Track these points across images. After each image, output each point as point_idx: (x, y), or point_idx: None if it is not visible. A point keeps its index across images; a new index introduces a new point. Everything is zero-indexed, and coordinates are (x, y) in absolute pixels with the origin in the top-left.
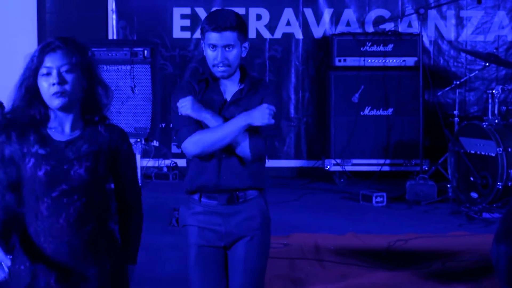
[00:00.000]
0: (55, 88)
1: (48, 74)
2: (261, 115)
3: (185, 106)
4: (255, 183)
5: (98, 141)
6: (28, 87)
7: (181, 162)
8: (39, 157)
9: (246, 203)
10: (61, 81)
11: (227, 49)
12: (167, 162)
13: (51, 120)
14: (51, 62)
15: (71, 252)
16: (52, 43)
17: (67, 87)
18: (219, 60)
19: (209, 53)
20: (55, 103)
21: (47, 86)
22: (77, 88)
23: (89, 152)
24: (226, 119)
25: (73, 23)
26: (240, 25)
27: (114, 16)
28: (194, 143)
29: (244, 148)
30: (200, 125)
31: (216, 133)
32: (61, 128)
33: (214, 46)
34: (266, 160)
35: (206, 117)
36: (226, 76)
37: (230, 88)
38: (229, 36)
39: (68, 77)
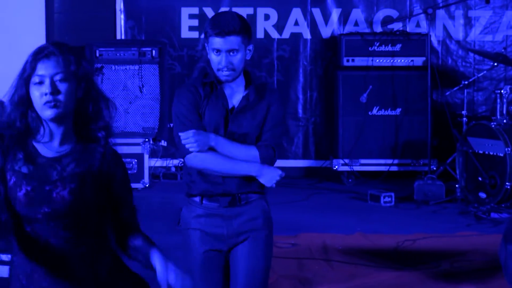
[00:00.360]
0: (47, 98)
1: (41, 82)
2: (270, 179)
3: (190, 142)
4: (258, 187)
5: (88, 161)
6: (21, 96)
7: None
8: (21, 176)
9: (248, 204)
10: (54, 90)
11: (231, 53)
12: (175, 161)
13: (40, 132)
14: (44, 69)
15: (67, 274)
16: (45, 48)
17: (60, 97)
18: (224, 64)
19: (213, 58)
20: (47, 113)
21: (38, 95)
22: (71, 99)
23: (75, 173)
24: (232, 133)
25: (81, 23)
26: (244, 28)
27: (122, 16)
28: (198, 160)
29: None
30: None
31: (223, 165)
32: (51, 141)
33: (218, 51)
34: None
35: (212, 146)
36: (230, 80)
37: (235, 93)
38: (233, 40)
39: (62, 86)
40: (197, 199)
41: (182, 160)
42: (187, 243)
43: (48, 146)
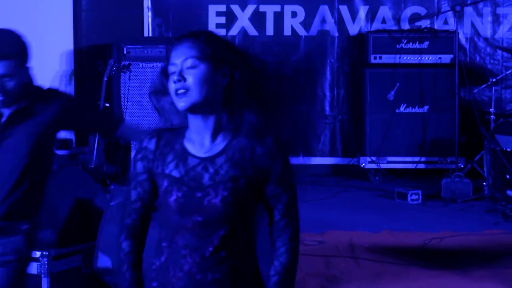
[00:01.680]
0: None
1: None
2: None
3: None
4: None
5: (242, 161)
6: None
7: None
8: (172, 181)
9: None
10: (181, 78)
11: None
12: None
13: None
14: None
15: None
16: (180, 37)
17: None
18: None
19: None
20: (179, 104)
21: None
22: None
23: (229, 177)
24: None
25: (109, 20)
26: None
27: (149, 14)
28: None
29: None
30: None
31: None
32: (200, 140)
33: None
34: (300, 158)
35: None
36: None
37: None
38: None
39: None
40: None
41: None
42: None
43: (200, 145)
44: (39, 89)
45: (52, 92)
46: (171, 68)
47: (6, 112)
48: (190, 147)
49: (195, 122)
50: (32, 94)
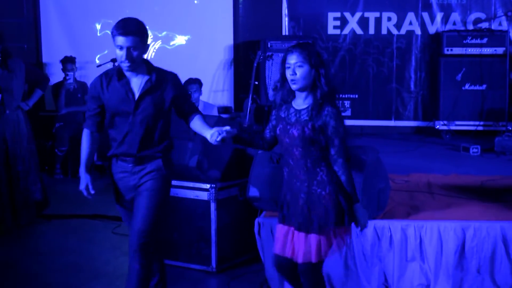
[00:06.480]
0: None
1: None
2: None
3: None
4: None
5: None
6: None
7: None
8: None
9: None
10: (294, 72)
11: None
12: None
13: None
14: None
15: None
16: (293, 46)
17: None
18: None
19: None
20: (292, 87)
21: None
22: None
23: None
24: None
25: (258, 23)
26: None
27: (286, 19)
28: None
29: None
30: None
31: None
32: (298, 101)
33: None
34: (392, 121)
35: None
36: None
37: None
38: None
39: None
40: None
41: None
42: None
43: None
44: (162, 70)
45: (174, 77)
46: (288, 65)
47: (138, 81)
48: (294, 104)
49: (298, 94)
50: (157, 72)
